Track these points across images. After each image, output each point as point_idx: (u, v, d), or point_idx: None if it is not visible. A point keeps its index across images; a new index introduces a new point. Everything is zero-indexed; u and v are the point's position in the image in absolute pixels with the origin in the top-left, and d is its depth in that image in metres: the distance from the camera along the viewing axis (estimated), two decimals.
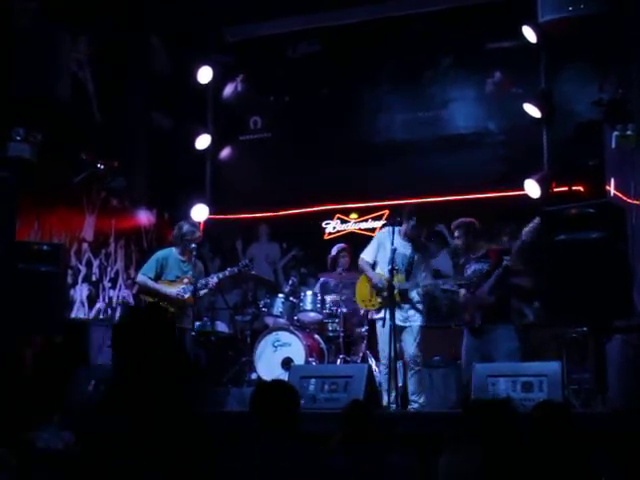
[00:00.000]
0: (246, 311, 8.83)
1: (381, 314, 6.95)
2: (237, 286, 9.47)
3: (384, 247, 7.17)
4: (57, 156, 7.99)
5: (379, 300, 7.05)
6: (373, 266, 7.23)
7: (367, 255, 7.30)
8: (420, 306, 7.09)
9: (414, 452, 3.85)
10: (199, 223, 7.88)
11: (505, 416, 3.68)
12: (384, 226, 8.36)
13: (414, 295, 7.08)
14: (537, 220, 6.58)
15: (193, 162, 10.45)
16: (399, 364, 6.73)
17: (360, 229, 9.80)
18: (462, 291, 7.11)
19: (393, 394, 6.58)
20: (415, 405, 6.77)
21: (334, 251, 8.53)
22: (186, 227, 7.52)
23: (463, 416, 3.87)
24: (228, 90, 10.82)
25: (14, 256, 6.95)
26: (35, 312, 6.76)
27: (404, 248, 7.08)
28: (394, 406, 6.54)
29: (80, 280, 8.86)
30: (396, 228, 7.09)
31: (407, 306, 7.00)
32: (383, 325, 6.84)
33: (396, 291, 6.91)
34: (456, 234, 7.19)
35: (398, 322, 6.85)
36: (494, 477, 3.42)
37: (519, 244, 6.85)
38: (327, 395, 6.19)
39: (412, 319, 7.01)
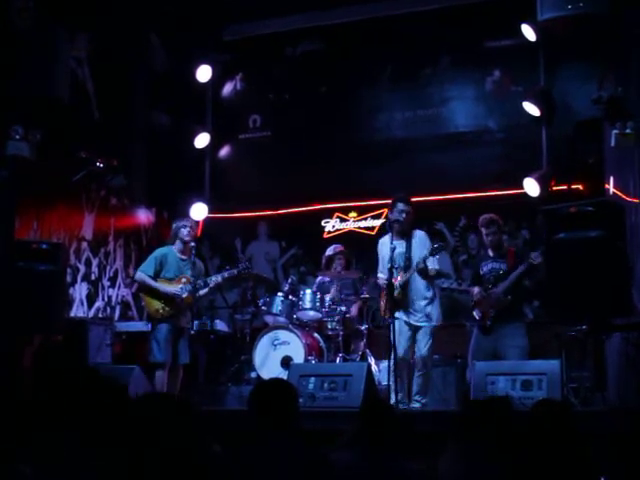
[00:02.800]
0: (245, 310, 8.83)
1: (396, 314, 6.88)
2: (236, 285, 9.46)
3: (384, 256, 7.12)
4: (56, 155, 7.99)
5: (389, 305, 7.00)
6: None
7: (380, 272, 7.22)
8: (433, 308, 6.94)
9: (417, 451, 3.82)
10: (193, 220, 7.84)
11: (504, 415, 3.67)
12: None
13: (428, 294, 6.95)
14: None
15: (192, 161, 10.47)
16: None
17: (359, 228, 9.79)
18: (475, 289, 7.06)
19: (397, 393, 6.55)
20: (417, 405, 6.75)
21: (330, 251, 8.49)
22: (176, 223, 7.51)
23: (462, 415, 3.85)
24: (227, 89, 10.82)
25: (13, 255, 6.95)
26: (35, 311, 6.76)
27: (400, 247, 6.99)
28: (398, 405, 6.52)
29: (79, 279, 8.86)
30: (389, 233, 7.11)
31: (422, 306, 6.90)
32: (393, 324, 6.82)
33: (398, 290, 6.86)
34: (490, 230, 7.08)
35: (413, 322, 6.84)
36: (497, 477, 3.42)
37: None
38: (326, 393, 6.17)
39: (427, 319, 6.90)
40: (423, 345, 6.87)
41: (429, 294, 6.95)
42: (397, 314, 6.78)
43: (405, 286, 6.86)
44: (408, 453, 3.67)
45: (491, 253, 7.12)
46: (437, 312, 6.96)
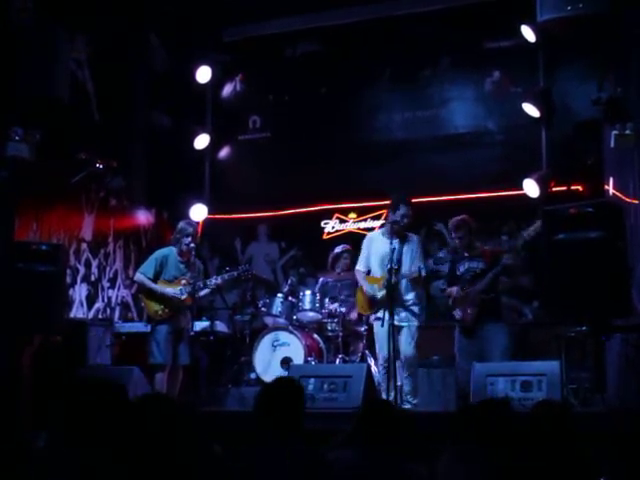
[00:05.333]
0: (245, 311, 8.83)
1: (379, 314, 6.91)
2: (236, 286, 9.45)
3: (371, 252, 7.17)
4: (56, 156, 7.98)
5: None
6: (368, 273, 7.19)
7: (360, 265, 7.28)
8: (416, 308, 6.97)
9: (417, 452, 3.81)
10: (196, 225, 7.86)
11: (503, 417, 3.67)
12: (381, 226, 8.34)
13: (410, 296, 7.00)
14: (539, 222, 6.53)
15: (192, 162, 10.46)
16: (398, 363, 6.70)
17: (359, 229, 9.79)
18: (454, 289, 7.05)
19: (392, 394, 6.54)
20: (408, 405, 6.74)
21: (338, 249, 8.51)
22: (180, 225, 7.52)
23: (460, 416, 3.84)
24: (227, 90, 10.82)
25: (13, 256, 6.94)
26: (34, 312, 6.75)
27: (394, 245, 6.99)
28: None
29: (79, 280, 8.85)
30: (382, 230, 7.18)
31: (405, 306, 6.91)
32: (382, 325, 6.80)
33: (383, 292, 6.84)
34: (458, 234, 7.09)
35: (395, 322, 6.76)
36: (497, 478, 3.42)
37: (520, 243, 6.82)
38: (326, 395, 6.18)
39: (409, 319, 6.92)
40: (407, 344, 6.87)
41: (412, 295, 7.00)
42: (380, 314, 6.82)
43: (395, 287, 6.85)
44: (408, 453, 3.66)
45: (466, 253, 7.14)
46: (420, 312, 7.01)
